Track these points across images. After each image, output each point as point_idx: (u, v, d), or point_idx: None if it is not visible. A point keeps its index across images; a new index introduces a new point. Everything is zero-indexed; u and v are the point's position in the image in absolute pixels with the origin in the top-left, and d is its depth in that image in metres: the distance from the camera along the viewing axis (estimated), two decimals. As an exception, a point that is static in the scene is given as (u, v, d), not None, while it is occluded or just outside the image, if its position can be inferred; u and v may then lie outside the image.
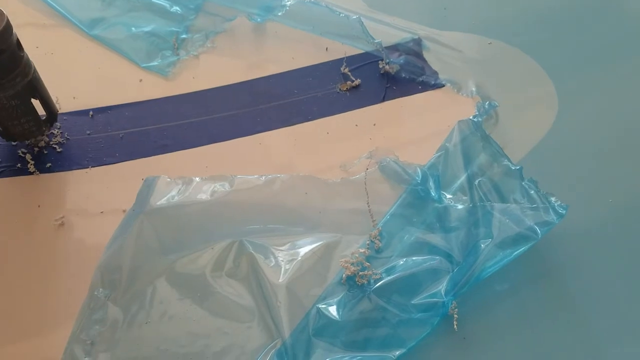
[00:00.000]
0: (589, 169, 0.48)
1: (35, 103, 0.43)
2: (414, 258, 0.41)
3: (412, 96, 0.52)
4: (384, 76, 0.53)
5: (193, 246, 0.43)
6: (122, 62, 0.53)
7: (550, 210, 0.42)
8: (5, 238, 0.42)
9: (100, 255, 0.41)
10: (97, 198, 0.45)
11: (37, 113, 0.44)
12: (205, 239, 0.43)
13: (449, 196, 0.44)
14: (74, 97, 0.50)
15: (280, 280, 0.39)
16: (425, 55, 0.54)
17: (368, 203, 0.44)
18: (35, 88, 0.43)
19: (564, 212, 0.41)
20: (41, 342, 0.38)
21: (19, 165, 0.45)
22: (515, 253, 0.40)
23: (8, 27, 0.39)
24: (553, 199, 0.42)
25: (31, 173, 0.45)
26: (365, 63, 0.54)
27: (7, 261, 0.41)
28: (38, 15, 0.56)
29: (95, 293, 0.40)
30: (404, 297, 0.39)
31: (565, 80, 0.54)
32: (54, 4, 0.56)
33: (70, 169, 0.46)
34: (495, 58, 0.55)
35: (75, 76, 0.52)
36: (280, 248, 0.42)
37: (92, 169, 0.46)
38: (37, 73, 0.43)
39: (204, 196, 0.44)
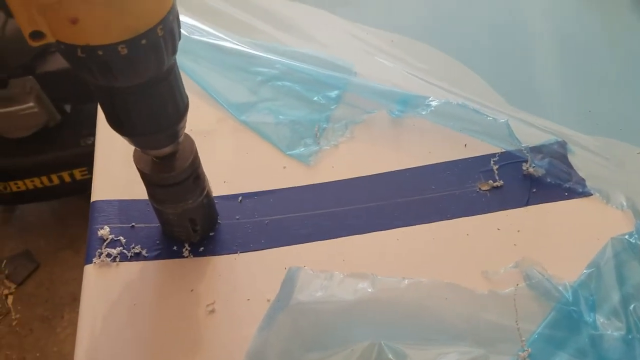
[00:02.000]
0: None
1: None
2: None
3: (557, 203, 0.50)
4: (527, 178, 0.52)
5: (333, 346, 0.43)
6: (268, 148, 0.56)
7: None
8: (160, 323, 0.45)
9: (246, 345, 0.43)
10: (244, 285, 0.47)
11: (190, 229, 0.47)
12: (346, 339, 0.44)
13: (601, 320, 0.42)
14: (224, 182, 0.53)
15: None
16: (571, 159, 0.53)
17: (517, 321, 0.43)
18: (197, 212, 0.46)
19: None
20: None
21: (174, 248, 0.49)
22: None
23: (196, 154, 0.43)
24: None
25: (185, 256, 0.48)
26: (506, 163, 0.53)
27: (159, 346, 0.44)
28: (191, 97, 0.61)
29: (242, 385, 0.42)
30: None
31: None
32: (206, 87, 0.60)
33: (220, 253, 0.49)
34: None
35: (226, 160, 0.55)
36: (421, 359, 0.42)
37: (240, 254, 0.49)
38: (210, 197, 0.47)
39: (346, 294, 0.45)
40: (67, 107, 1.28)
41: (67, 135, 1.26)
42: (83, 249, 1.55)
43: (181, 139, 0.41)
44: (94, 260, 0.47)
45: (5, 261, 1.48)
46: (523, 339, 0.42)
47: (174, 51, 0.32)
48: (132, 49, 0.29)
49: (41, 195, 1.36)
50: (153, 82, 0.33)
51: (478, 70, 0.60)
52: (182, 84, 0.37)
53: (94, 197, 0.51)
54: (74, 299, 1.41)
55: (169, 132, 0.38)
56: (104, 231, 0.48)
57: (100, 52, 0.29)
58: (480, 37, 0.66)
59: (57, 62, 1.15)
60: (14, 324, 1.38)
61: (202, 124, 0.57)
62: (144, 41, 0.29)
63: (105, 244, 0.48)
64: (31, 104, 1.16)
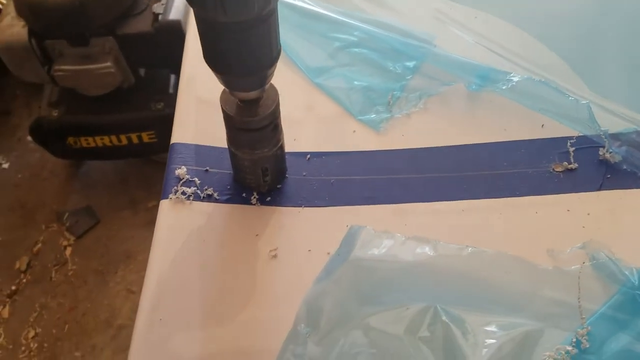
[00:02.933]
0: None
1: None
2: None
3: (632, 190, 0.49)
4: (602, 164, 0.51)
5: (388, 303, 0.44)
6: (339, 111, 0.57)
7: None
8: (226, 260, 0.47)
9: (305, 292, 0.44)
10: (305, 237, 0.48)
11: (261, 177, 0.49)
12: (401, 298, 0.44)
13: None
14: (294, 139, 0.54)
15: (479, 360, 0.39)
16: (648, 150, 0.51)
17: (579, 298, 0.42)
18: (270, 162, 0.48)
19: None
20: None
21: (243, 194, 0.50)
22: None
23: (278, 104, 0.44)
24: None
25: (253, 204, 0.50)
26: (582, 147, 0.52)
27: (224, 281, 0.46)
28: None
29: (298, 328, 0.43)
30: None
31: None
32: (285, 48, 0.61)
33: (286, 205, 0.50)
34: None
35: (298, 119, 0.56)
36: (478, 325, 0.42)
37: (304, 208, 0.50)
38: (282, 149, 0.49)
39: (406, 256, 0.45)
40: (141, 71, 1.33)
41: (139, 98, 1.31)
42: (142, 210, 1.62)
43: (267, 86, 0.42)
44: (170, 196, 0.49)
45: (67, 214, 1.55)
46: (583, 316, 0.41)
47: None
48: None
49: (108, 154, 1.42)
50: (255, 22, 0.35)
51: (561, 54, 0.59)
52: (279, 31, 0.38)
53: (174, 139, 0.54)
54: (128, 257, 1.47)
55: (260, 74, 0.39)
56: (181, 171, 0.50)
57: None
58: (566, 21, 0.64)
59: (138, 26, 1.19)
60: (69, 274, 1.46)
61: (277, 82, 0.59)
62: None
63: (181, 182, 0.50)
64: (109, 64, 1.21)
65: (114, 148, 1.38)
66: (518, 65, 0.57)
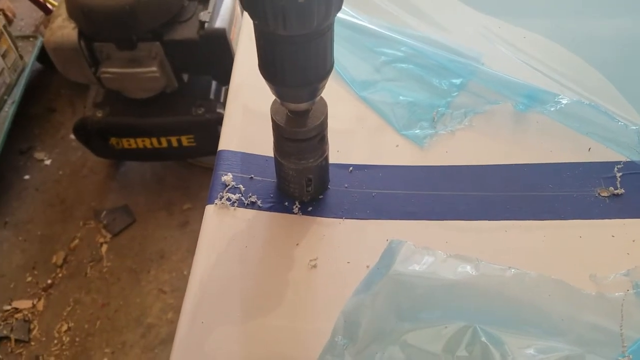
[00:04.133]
0: None
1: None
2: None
3: (679, 219, 0.48)
4: (650, 191, 0.50)
5: (427, 320, 0.44)
6: (383, 125, 0.57)
7: None
8: (266, 267, 0.48)
9: (343, 303, 0.44)
10: (345, 248, 0.49)
11: (304, 187, 0.50)
12: (440, 316, 0.44)
13: None
14: (337, 151, 0.55)
15: (518, 384, 0.39)
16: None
17: (621, 326, 0.41)
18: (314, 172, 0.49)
19: None
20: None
21: (286, 203, 0.51)
22: None
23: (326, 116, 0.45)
24: None
25: (295, 213, 0.51)
26: (629, 172, 0.51)
27: (264, 287, 0.47)
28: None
29: (336, 339, 0.43)
30: None
31: None
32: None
33: (327, 216, 0.51)
34: None
35: (342, 131, 0.57)
36: (517, 347, 0.41)
37: (345, 220, 0.51)
38: (327, 161, 0.49)
39: (446, 273, 0.45)
40: (185, 77, 1.36)
41: (182, 102, 1.35)
42: (177, 212, 1.65)
43: (317, 98, 0.43)
44: (216, 201, 0.51)
45: (105, 212, 1.60)
46: (625, 344, 0.41)
47: (339, 7, 0.34)
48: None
49: (148, 156, 1.46)
50: (313, 36, 0.36)
51: (610, 77, 0.58)
52: (333, 46, 0.39)
53: (221, 146, 0.55)
54: (162, 257, 1.50)
55: (312, 87, 0.40)
56: (227, 177, 0.52)
57: (282, -2, 0.31)
58: (615, 44, 0.64)
59: (184, 32, 1.23)
60: (104, 270, 1.49)
61: (324, 94, 0.60)
62: None
63: (227, 189, 0.51)
64: (154, 69, 1.24)
65: (154, 150, 1.41)
66: (566, 87, 0.56)
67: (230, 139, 0.55)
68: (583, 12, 0.67)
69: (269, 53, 0.38)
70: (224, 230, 0.49)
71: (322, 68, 0.39)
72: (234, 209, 0.50)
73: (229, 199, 0.51)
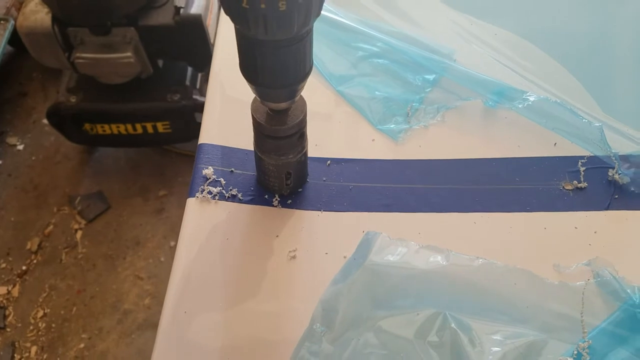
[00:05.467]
0: None
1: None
2: (622, 381, 0.41)
3: (638, 211, 0.51)
4: (611, 184, 0.53)
5: (400, 307, 0.46)
6: (360, 120, 0.59)
7: None
8: (247, 258, 0.49)
9: (321, 292, 0.46)
10: (323, 240, 0.51)
11: (284, 181, 0.51)
12: (413, 303, 0.47)
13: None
14: (315, 145, 0.57)
15: (485, 367, 0.42)
16: (658, 172, 0.53)
17: (582, 313, 0.44)
18: (293, 167, 0.50)
19: None
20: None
21: (266, 196, 0.53)
22: None
23: (305, 114, 0.47)
24: None
25: (274, 206, 0.52)
26: (593, 167, 0.54)
27: (245, 278, 0.48)
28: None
29: (314, 327, 0.45)
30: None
31: None
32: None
33: (306, 208, 0.53)
34: None
35: (319, 125, 0.58)
36: (485, 333, 0.44)
37: (323, 212, 0.52)
38: (306, 156, 0.51)
39: (419, 263, 0.48)
40: (160, 63, 1.35)
41: (157, 88, 1.34)
42: (152, 198, 1.64)
43: (297, 97, 0.44)
44: (197, 194, 0.52)
45: (79, 198, 1.58)
46: (585, 330, 0.44)
47: (319, 13, 0.36)
48: (290, 7, 0.33)
49: (123, 142, 1.45)
50: (293, 41, 0.37)
51: (577, 75, 0.61)
52: (312, 49, 0.41)
53: (202, 140, 0.56)
54: (137, 243, 1.50)
55: (291, 89, 0.41)
56: (208, 171, 0.53)
57: (263, 6, 0.32)
58: (583, 43, 0.66)
59: (159, 18, 1.22)
60: (79, 257, 1.49)
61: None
62: (301, 0, 0.33)
63: (207, 182, 0.53)
64: (129, 54, 1.23)
65: (129, 136, 1.41)
66: (535, 83, 0.59)
67: (211, 133, 0.57)
68: (553, 11, 0.70)
69: (249, 55, 0.39)
70: (205, 222, 0.51)
71: (301, 70, 0.40)
72: (215, 202, 0.52)
73: (209, 192, 0.52)
